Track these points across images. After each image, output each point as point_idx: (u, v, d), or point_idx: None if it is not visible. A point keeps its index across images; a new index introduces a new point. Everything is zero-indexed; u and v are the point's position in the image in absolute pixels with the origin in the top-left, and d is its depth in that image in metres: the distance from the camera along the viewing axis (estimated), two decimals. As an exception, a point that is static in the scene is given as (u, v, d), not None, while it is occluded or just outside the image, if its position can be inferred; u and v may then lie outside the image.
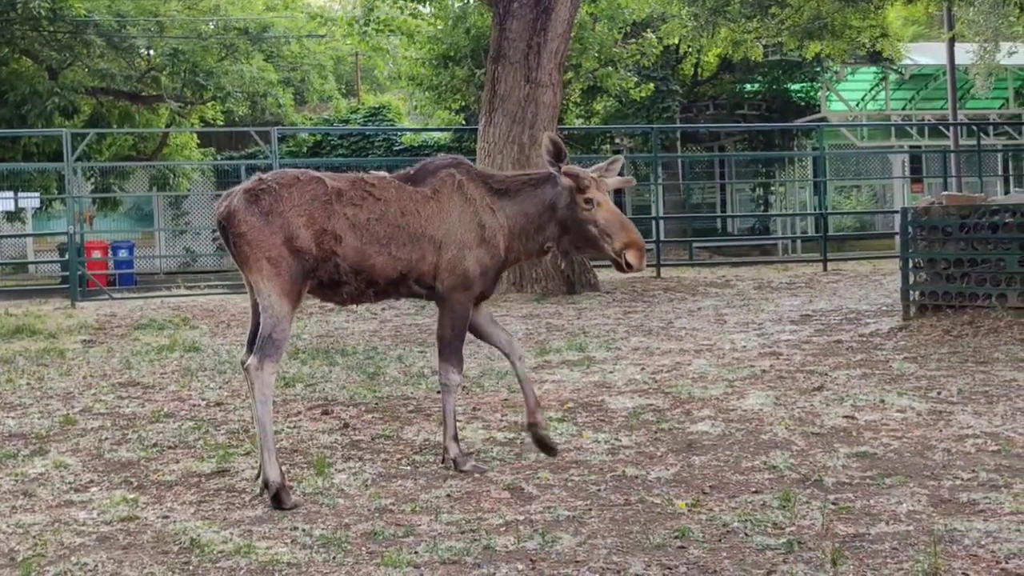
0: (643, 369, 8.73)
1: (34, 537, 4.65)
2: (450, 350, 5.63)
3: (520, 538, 4.46)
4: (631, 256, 5.46)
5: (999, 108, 29.94)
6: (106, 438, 6.68)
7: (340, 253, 5.31)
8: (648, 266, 19.35)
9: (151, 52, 26.08)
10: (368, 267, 5.39)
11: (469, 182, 5.63)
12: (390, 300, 5.98)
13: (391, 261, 5.43)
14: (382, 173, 5.81)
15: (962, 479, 5.16)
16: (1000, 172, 28.53)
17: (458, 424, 6.80)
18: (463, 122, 22.65)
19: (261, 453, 5.14)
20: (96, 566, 4.28)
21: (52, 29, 22.90)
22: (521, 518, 4.76)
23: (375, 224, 5.39)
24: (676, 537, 4.42)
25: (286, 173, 5.46)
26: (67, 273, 18.68)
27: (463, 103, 21.26)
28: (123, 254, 22.77)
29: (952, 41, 24.35)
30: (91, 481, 5.64)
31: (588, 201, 5.54)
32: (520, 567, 4.14)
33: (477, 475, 5.50)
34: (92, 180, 25.14)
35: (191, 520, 4.87)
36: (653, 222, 21.64)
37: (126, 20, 23.99)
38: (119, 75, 23.98)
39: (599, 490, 5.14)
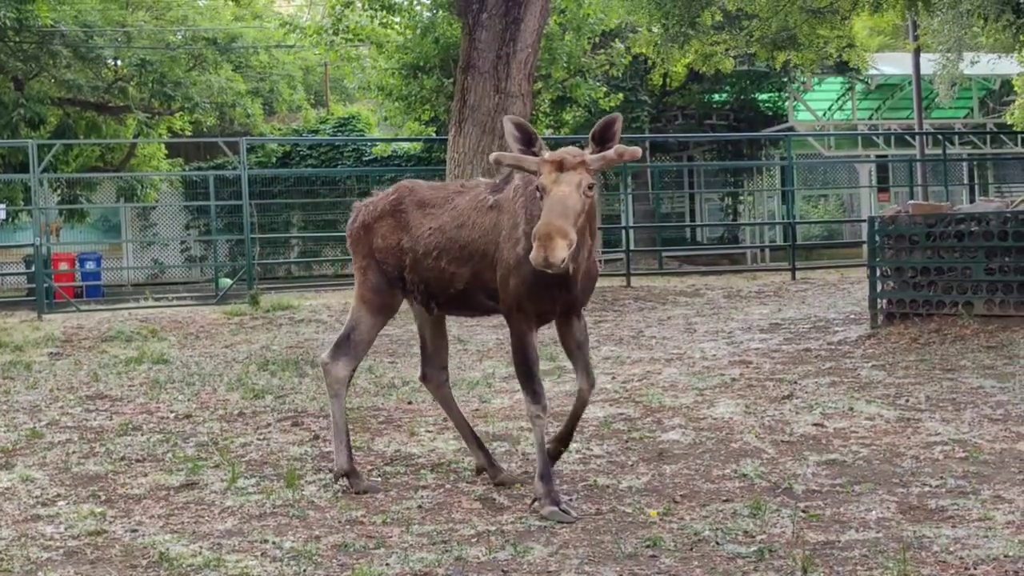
0: (614, 378, 8.74)
1: (0, 552, 4.60)
2: (522, 379, 5.09)
3: (492, 549, 4.45)
4: (533, 251, 4.41)
5: (964, 118, 30.25)
6: (73, 451, 6.62)
7: (406, 264, 5.38)
8: (617, 275, 19.40)
9: (118, 62, 25.87)
10: (424, 278, 5.35)
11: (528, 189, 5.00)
12: (477, 316, 5.68)
13: (441, 274, 5.27)
14: (482, 179, 5.66)
15: (930, 486, 5.20)
16: (965, 181, 28.78)
17: (430, 434, 6.81)
18: (433, 133, 22.63)
19: (334, 443, 5.54)
20: (63, 581, 4.24)
21: (18, 39, 22.69)
22: (493, 528, 4.75)
23: (433, 235, 5.30)
24: (648, 546, 4.43)
25: (399, 185, 5.61)
26: (33, 285, 18.44)
27: (433, 113, 21.24)
28: (90, 266, 22.56)
29: (917, 51, 24.58)
30: (58, 495, 5.58)
31: (539, 189, 4.64)
32: (492, 578, 4.13)
33: (556, 521, 4.81)
34: (59, 191, 24.90)
35: (160, 534, 4.83)
36: (623, 232, 21.70)
37: (93, 30, 23.80)
38: (86, 86, 23.77)
39: (570, 500, 5.13)
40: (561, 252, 4.34)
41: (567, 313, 5.11)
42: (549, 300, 4.94)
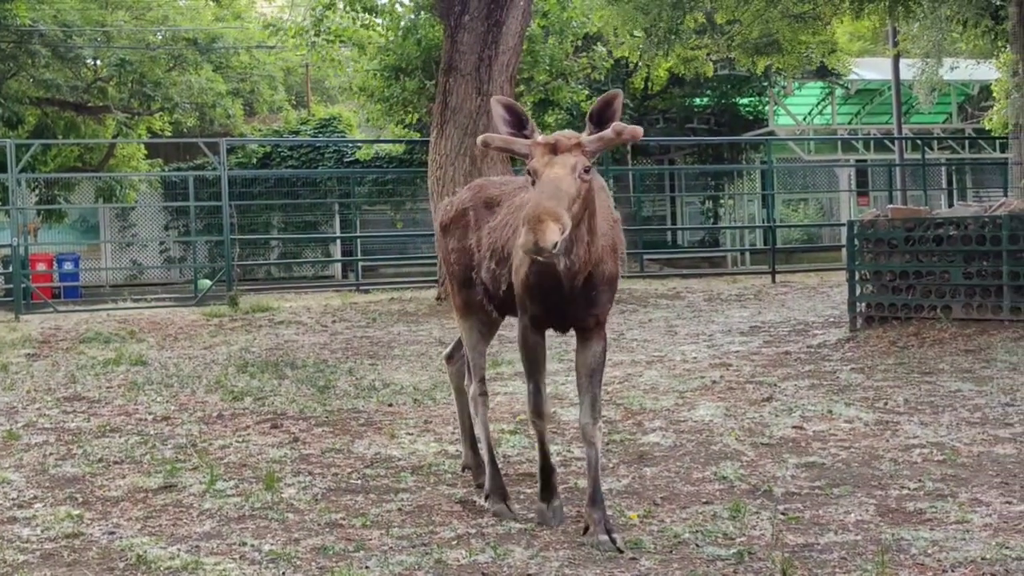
0: (594, 381, 8.73)
1: (-25, 555, 4.56)
2: (525, 379, 4.90)
3: (472, 551, 4.44)
4: (522, 236, 4.02)
5: (943, 123, 30.43)
6: (51, 453, 6.57)
7: (473, 265, 5.18)
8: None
9: (98, 62, 25.73)
10: (483, 279, 5.11)
11: None
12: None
13: (492, 275, 4.98)
14: None
15: (909, 489, 5.22)
16: (944, 186, 28.96)
17: (410, 437, 6.79)
18: (416, 134, 22.61)
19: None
20: (39, 584, 4.20)
21: (-4, 38, 22.57)
22: (473, 531, 4.74)
23: (488, 235, 5.05)
24: (628, 548, 4.43)
25: (472, 183, 5.49)
26: (11, 286, 18.39)
27: (415, 115, 21.22)
28: (68, 266, 22.45)
29: (897, 57, 24.73)
30: (35, 497, 5.54)
31: (531, 174, 4.25)
32: (472, 580, 4.12)
33: (539, 524, 4.82)
34: (37, 191, 24.75)
35: (137, 536, 4.80)
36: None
37: (72, 30, 23.66)
38: (65, 85, 23.64)
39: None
40: (552, 236, 3.89)
41: (578, 328, 4.71)
42: (542, 300, 4.58)
